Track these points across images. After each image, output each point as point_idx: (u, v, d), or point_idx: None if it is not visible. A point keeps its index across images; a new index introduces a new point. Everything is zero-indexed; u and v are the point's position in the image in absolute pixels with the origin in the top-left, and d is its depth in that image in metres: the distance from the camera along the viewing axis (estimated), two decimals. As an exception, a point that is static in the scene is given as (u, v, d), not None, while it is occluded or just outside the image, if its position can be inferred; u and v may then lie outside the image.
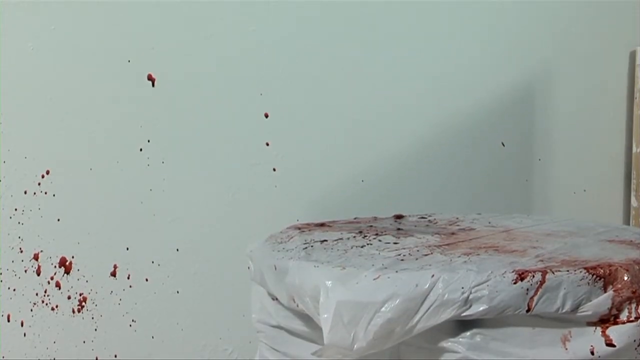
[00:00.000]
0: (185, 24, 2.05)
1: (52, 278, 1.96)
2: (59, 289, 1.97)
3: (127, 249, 2.03)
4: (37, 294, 1.94)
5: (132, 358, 2.04)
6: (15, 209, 1.91)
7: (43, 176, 1.93)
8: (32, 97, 1.91)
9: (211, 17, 2.07)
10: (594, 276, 1.29)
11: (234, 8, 2.09)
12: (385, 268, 1.36)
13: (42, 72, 1.92)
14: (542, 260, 1.38)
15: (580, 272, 1.29)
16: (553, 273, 1.31)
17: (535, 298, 1.29)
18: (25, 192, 1.92)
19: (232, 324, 2.11)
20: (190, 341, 2.09)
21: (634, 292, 1.31)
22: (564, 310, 1.28)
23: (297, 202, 2.19)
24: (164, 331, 2.07)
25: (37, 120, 1.92)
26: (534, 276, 1.30)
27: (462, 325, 1.30)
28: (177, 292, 2.08)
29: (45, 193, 1.94)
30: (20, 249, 1.92)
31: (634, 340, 1.31)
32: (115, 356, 2.03)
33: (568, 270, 1.29)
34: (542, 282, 1.30)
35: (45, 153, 1.93)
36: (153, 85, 2.02)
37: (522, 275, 1.30)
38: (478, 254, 1.44)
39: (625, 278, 1.31)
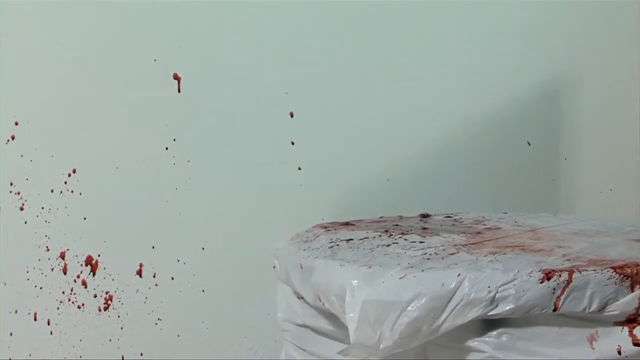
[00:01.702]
0: (211, 23, 2.06)
1: (78, 276, 1.97)
2: (85, 287, 1.98)
3: (153, 247, 2.04)
4: (63, 293, 1.96)
5: (158, 357, 2.05)
6: (42, 208, 1.93)
7: (69, 175, 1.95)
8: (58, 95, 1.93)
9: (237, 16, 2.08)
10: (621, 276, 1.29)
11: (259, 7, 2.10)
12: (411, 267, 1.36)
13: (68, 71, 1.93)
14: (568, 260, 1.38)
15: (607, 271, 1.29)
16: (580, 272, 1.31)
17: (562, 297, 1.29)
18: (52, 191, 1.94)
19: (257, 323, 2.11)
20: (216, 340, 2.10)
21: (661, 292, 1.31)
22: (590, 310, 1.27)
23: (323, 200, 2.19)
24: (189, 330, 2.08)
25: (63, 119, 1.93)
26: (560, 275, 1.30)
27: (488, 324, 1.30)
28: (203, 290, 2.09)
29: (72, 192, 1.95)
30: (46, 247, 1.94)
31: (662, 340, 1.31)
32: (141, 355, 2.04)
33: (595, 270, 1.29)
34: (569, 281, 1.30)
35: (71, 152, 1.95)
36: (179, 84, 2.03)
37: (549, 275, 1.30)
38: (504, 253, 1.43)
39: (653, 278, 1.31)
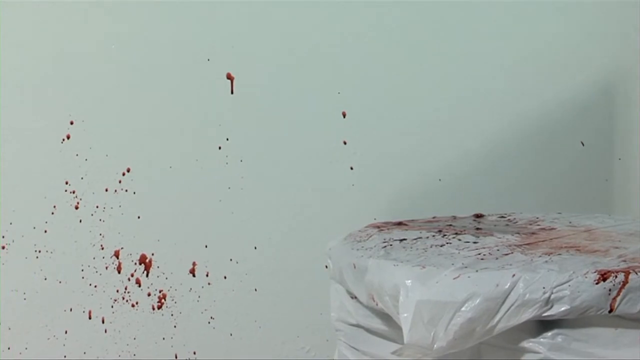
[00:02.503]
0: (264, 23, 2.06)
1: (132, 275, 1.99)
2: (139, 286, 1.99)
3: (206, 246, 2.05)
4: (117, 291, 1.97)
5: (211, 355, 2.06)
6: (97, 206, 1.95)
7: (124, 174, 1.96)
8: (113, 95, 1.94)
9: (289, 15, 2.08)
10: (678, 277, 1.28)
11: (311, 7, 2.10)
12: (465, 267, 1.36)
13: (123, 72, 1.95)
14: (624, 261, 1.37)
15: (664, 272, 1.28)
16: (636, 273, 1.30)
17: (618, 299, 1.28)
18: (107, 190, 1.95)
19: (309, 322, 2.12)
20: (268, 339, 2.11)
21: None
22: (647, 311, 1.27)
23: (375, 200, 2.19)
24: (242, 329, 2.09)
25: (118, 119, 1.95)
26: (616, 276, 1.29)
27: (543, 325, 1.30)
28: (255, 289, 2.09)
29: (126, 191, 1.97)
30: (101, 245, 1.96)
31: None
32: (194, 353, 2.05)
33: (651, 271, 1.28)
34: (625, 282, 1.29)
35: (126, 151, 1.96)
36: (232, 84, 2.04)
37: (605, 276, 1.29)
38: (559, 254, 1.43)
39: None
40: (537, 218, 1.86)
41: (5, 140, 1.86)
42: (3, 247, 1.88)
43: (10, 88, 1.86)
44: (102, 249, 1.96)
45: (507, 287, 1.29)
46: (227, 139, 2.04)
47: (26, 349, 1.90)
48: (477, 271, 1.34)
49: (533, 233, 1.66)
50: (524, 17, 2.33)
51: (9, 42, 1.86)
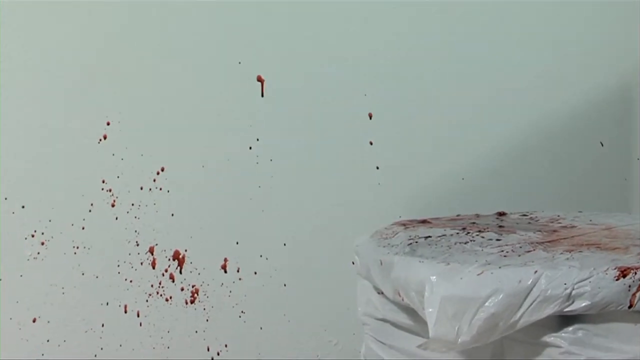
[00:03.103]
0: (293, 27, 2.06)
1: (166, 270, 1.99)
2: (173, 281, 2.00)
3: (237, 243, 2.05)
4: (152, 286, 1.98)
5: (241, 348, 2.07)
6: (132, 204, 1.96)
7: (158, 173, 1.97)
8: (148, 97, 1.95)
9: (317, 20, 2.09)
10: (697, 274, 1.28)
11: (339, 12, 2.10)
12: (489, 264, 1.36)
13: (157, 73, 1.96)
14: (644, 258, 1.37)
15: (683, 269, 1.28)
16: (655, 270, 1.30)
17: (638, 294, 1.28)
18: (142, 188, 1.96)
19: (337, 316, 2.12)
20: (297, 332, 2.11)
21: None
22: (666, 307, 1.26)
23: (400, 198, 2.19)
24: (272, 322, 2.09)
25: (153, 119, 1.96)
26: (636, 273, 1.29)
27: (564, 320, 1.30)
28: (285, 285, 2.10)
29: (160, 189, 1.97)
30: (136, 242, 1.96)
31: None
32: (225, 346, 2.05)
33: (670, 268, 1.28)
34: (645, 279, 1.29)
35: (160, 151, 1.97)
36: (262, 86, 2.04)
37: (625, 272, 1.29)
38: (580, 251, 1.42)
39: None
40: (558, 216, 1.86)
41: (44, 140, 1.88)
42: (42, 244, 1.89)
43: (48, 90, 1.87)
44: (137, 245, 1.97)
45: (529, 283, 1.29)
46: (258, 140, 2.05)
47: (64, 341, 1.92)
48: (500, 268, 1.34)
49: (554, 231, 1.66)
50: (545, 20, 2.33)
51: (49, 46, 1.87)
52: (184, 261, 2.01)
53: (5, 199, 1.85)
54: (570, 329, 1.29)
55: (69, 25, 1.88)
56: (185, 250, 2.01)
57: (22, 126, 1.86)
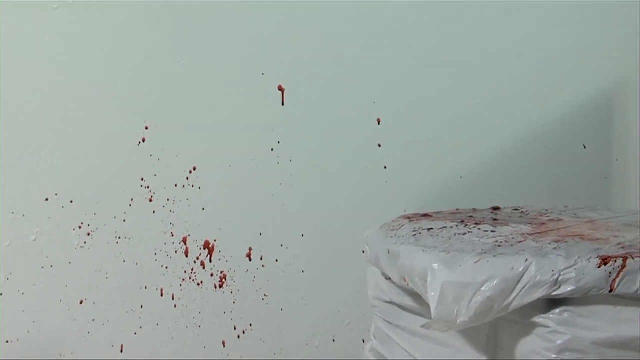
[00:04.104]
0: (310, 43, 2.06)
1: (197, 258, 2.00)
2: (204, 268, 2.00)
3: (260, 234, 2.06)
4: (185, 272, 1.99)
5: (264, 327, 2.07)
6: (168, 199, 1.96)
7: (191, 172, 1.97)
8: (182, 104, 1.95)
9: (333, 37, 2.08)
10: (670, 262, 1.27)
11: (352, 31, 2.10)
12: (485, 253, 1.36)
13: (190, 85, 1.96)
14: (623, 248, 1.36)
15: (658, 258, 1.27)
16: (633, 259, 1.29)
17: (617, 280, 1.28)
18: (176, 185, 1.96)
19: (349, 299, 2.12)
20: (314, 313, 2.11)
21: None
22: (643, 292, 1.26)
23: (405, 195, 2.18)
24: (291, 304, 2.09)
25: (186, 124, 1.96)
26: (616, 261, 1.29)
27: (552, 303, 1.29)
28: (303, 271, 2.10)
29: (192, 186, 1.98)
30: (171, 233, 1.97)
31: None
32: (250, 325, 2.06)
33: (646, 257, 1.27)
34: (623, 266, 1.28)
35: (192, 152, 1.97)
36: (283, 94, 2.04)
37: (606, 260, 1.29)
38: (566, 242, 1.42)
39: (698, 264, 1.29)
40: (547, 210, 1.86)
41: (91, 143, 1.88)
42: (88, 234, 1.89)
43: (96, 98, 1.88)
44: (172, 236, 1.97)
45: (520, 270, 1.29)
46: (279, 142, 2.05)
47: (108, 321, 1.92)
48: (494, 256, 1.34)
49: (543, 223, 1.65)
50: (539, 33, 2.32)
51: (98, 60, 1.87)
52: (213, 250, 2.01)
53: (56, 194, 1.86)
54: (557, 310, 1.29)
55: (115, 43, 1.89)
56: (215, 241, 2.01)
57: (72, 131, 1.86)
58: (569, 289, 1.27)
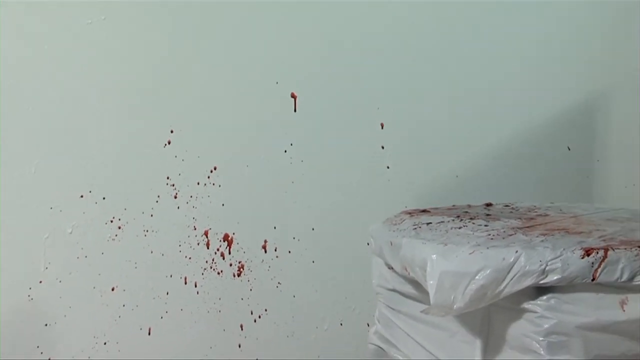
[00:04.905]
0: (320, 54, 2.06)
1: (217, 249, 2.00)
2: (223, 258, 2.01)
3: (275, 227, 2.06)
4: (206, 262, 1.99)
5: (278, 312, 2.07)
6: (191, 196, 1.96)
7: (211, 171, 1.98)
8: (203, 110, 1.96)
9: (340, 50, 2.09)
10: (647, 253, 1.27)
11: (358, 43, 2.10)
12: (479, 245, 1.36)
13: (211, 93, 1.96)
14: (604, 240, 1.37)
15: (636, 249, 1.27)
16: (613, 250, 1.29)
17: (599, 270, 1.28)
18: (198, 183, 1.97)
19: (355, 287, 2.12)
20: (323, 299, 2.11)
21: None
22: (622, 280, 1.26)
23: (406, 192, 2.18)
24: (302, 292, 2.09)
25: (207, 128, 1.96)
26: (598, 252, 1.29)
27: (539, 290, 1.29)
28: (313, 261, 2.10)
29: (213, 184, 1.98)
30: (194, 227, 1.97)
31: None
32: (265, 310, 2.06)
33: (625, 248, 1.27)
34: (605, 257, 1.29)
35: (213, 153, 1.98)
36: (295, 101, 2.05)
37: (588, 252, 1.29)
38: (552, 235, 1.42)
39: (673, 255, 1.29)
40: (535, 207, 1.86)
41: (122, 145, 1.88)
42: (119, 228, 1.90)
43: (126, 104, 1.88)
44: (195, 229, 1.97)
45: (511, 260, 1.29)
46: (291, 144, 2.05)
47: (137, 306, 1.93)
48: (487, 248, 1.34)
49: (531, 218, 1.65)
50: (533, 45, 2.32)
51: (127, 70, 1.88)
52: (232, 242, 2.01)
53: (90, 192, 1.87)
54: (544, 297, 1.29)
55: (145, 57, 1.89)
56: (233, 234, 2.01)
57: (105, 134, 1.87)
58: (555, 277, 1.27)
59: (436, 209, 1.84)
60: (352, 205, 2.12)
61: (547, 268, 1.27)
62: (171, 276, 1.96)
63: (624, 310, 1.27)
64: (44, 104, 1.81)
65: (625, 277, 1.26)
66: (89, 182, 1.87)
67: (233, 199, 2.01)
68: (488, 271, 1.28)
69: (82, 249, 1.87)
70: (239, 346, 2.03)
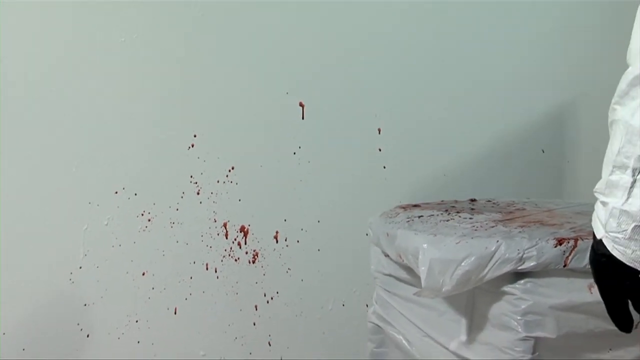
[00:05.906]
0: (325, 67, 2.06)
1: (235, 239, 2.00)
2: (240, 247, 2.01)
3: (285, 220, 2.06)
4: (225, 250, 1.99)
5: (289, 295, 2.07)
6: (211, 193, 1.96)
7: (230, 170, 1.97)
8: (223, 116, 1.95)
9: (344, 63, 2.08)
10: (612, 243, 1.27)
11: (359, 58, 2.10)
12: (464, 235, 1.37)
13: (229, 102, 1.96)
14: (574, 231, 1.37)
15: (602, 240, 1.28)
16: (583, 240, 1.30)
17: (570, 257, 1.29)
18: (218, 181, 1.97)
19: (356, 272, 2.10)
20: (328, 283, 2.10)
21: None
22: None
23: (400, 189, 2.16)
24: (310, 276, 2.09)
25: (227, 133, 1.96)
26: (569, 242, 1.30)
27: (517, 275, 1.30)
28: (318, 250, 2.10)
29: (231, 182, 1.98)
30: (214, 219, 1.97)
31: None
32: (277, 293, 2.05)
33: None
34: (575, 246, 1.30)
35: (231, 155, 1.97)
36: (303, 109, 2.05)
37: (561, 241, 1.30)
38: (529, 226, 1.43)
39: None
40: (514, 202, 1.86)
41: (151, 148, 1.88)
42: (149, 220, 1.90)
43: (156, 112, 1.88)
44: (215, 221, 1.97)
45: (493, 249, 1.30)
46: (300, 147, 2.05)
47: (164, 289, 1.92)
48: (472, 238, 1.35)
49: (511, 212, 1.66)
50: (516, 54, 2.31)
51: (158, 81, 1.88)
52: (247, 233, 2.01)
53: (123, 189, 1.87)
54: (522, 281, 1.30)
55: (170, 70, 1.89)
56: (249, 225, 2.02)
57: (136, 138, 1.87)
58: (531, 264, 1.28)
59: (427, 204, 1.85)
60: (352, 200, 2.12)
61: (524, 256, 1.28)
62: (194, 263, 1.96)
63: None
64: (86, 112, 1.82)
65: (592, 263, 1.27)
66: (122, 180, 1.87)
67: (248, 195, 2.00)
68: (472, 258, 1.29)
69: (116, 238, 1.87)
70: (254, 324, 2.04)
